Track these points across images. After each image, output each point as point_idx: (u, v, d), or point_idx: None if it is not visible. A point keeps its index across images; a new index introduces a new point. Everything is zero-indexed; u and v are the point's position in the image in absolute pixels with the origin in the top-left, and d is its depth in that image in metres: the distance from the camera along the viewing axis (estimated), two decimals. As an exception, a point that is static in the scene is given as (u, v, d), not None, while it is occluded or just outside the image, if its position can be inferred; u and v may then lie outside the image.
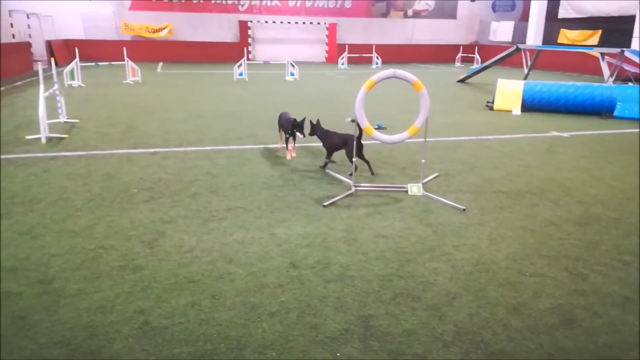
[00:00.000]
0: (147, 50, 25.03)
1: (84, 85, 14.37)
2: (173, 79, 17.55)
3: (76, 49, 15.62)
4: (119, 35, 25.41)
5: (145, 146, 7.22)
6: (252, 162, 6.45)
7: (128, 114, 9.87)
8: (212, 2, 26.61)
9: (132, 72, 15.90)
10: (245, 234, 4.16)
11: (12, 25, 22.69)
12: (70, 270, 3.48)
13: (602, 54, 13.49)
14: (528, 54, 16.37)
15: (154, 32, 25.86)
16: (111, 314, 2.96)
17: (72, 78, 14.30)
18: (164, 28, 25.95)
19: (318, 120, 6.21)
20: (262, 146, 7.36)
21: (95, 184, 5.41)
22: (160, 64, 24.01)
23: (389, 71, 4.88)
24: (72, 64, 14.21)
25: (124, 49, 16.52)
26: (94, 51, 23.02)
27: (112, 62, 18.15)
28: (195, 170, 6.04)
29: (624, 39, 19.48)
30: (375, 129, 5.22)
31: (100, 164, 6.22)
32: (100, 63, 18.61)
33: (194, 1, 26.31)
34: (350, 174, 5.63)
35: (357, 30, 29.01)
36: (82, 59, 15.36)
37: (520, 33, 26.33)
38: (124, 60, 15.96)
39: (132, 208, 4.72)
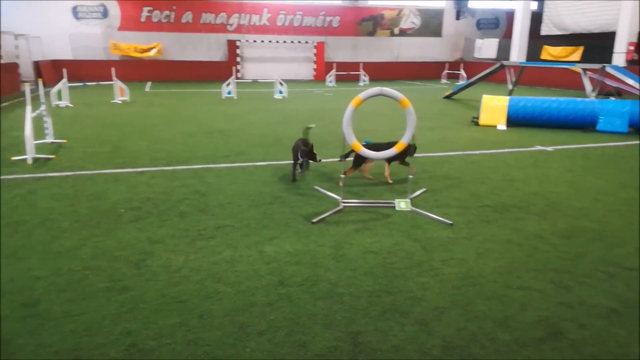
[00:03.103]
0: (135, 70, 25.08)
1: (71, 106, 14.34)
2: (162, 98, 17.57)
3: (64, 70, 15.60)
4: (108, 56, 25.45)
5: (133, 165, 7.20)
6: (240, 180, 6.46)
7: (116, 134, 9.85)
8: (201, 22, 26.82)
9: (120, 91, 15.90)
10: (234, 253, 4.15)
11: (-1, 47, 22.73)
12: (56, 292, 3.44)
13: (584, 70, 13.78)
14: (512, 70, 16.67)
15: (142, 52, 25.93)
16: (97, 336, 2.92)
17: (60, 98, 14.26)
18: (152, 48, 26.05)
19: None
20: (250, 164, 7.37)
21: (82, 205, 5.37)
22: (149, 83, 24.05)
23: (376, 89, 4.94)
24: (60, 84, 14.19)
25: (113, 69, 16.55)
26: (82, 71, 23.03)
27: (101, 82, 18.12)
28: (184, 189, 6.04)
29: (605, 55, 19.91)
30: (362, 145, 5.27)
31: (87, 184, 6.19)
32: (88, 83, 18.59)
33: (183, 21, 26.51)
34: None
35: (344, 49, 29.37)
36: (70, 79, 15.32)
37: (504, 50, 26.80)
38: (112, 80, 15.98)
39: (119, 228, 4.69)
